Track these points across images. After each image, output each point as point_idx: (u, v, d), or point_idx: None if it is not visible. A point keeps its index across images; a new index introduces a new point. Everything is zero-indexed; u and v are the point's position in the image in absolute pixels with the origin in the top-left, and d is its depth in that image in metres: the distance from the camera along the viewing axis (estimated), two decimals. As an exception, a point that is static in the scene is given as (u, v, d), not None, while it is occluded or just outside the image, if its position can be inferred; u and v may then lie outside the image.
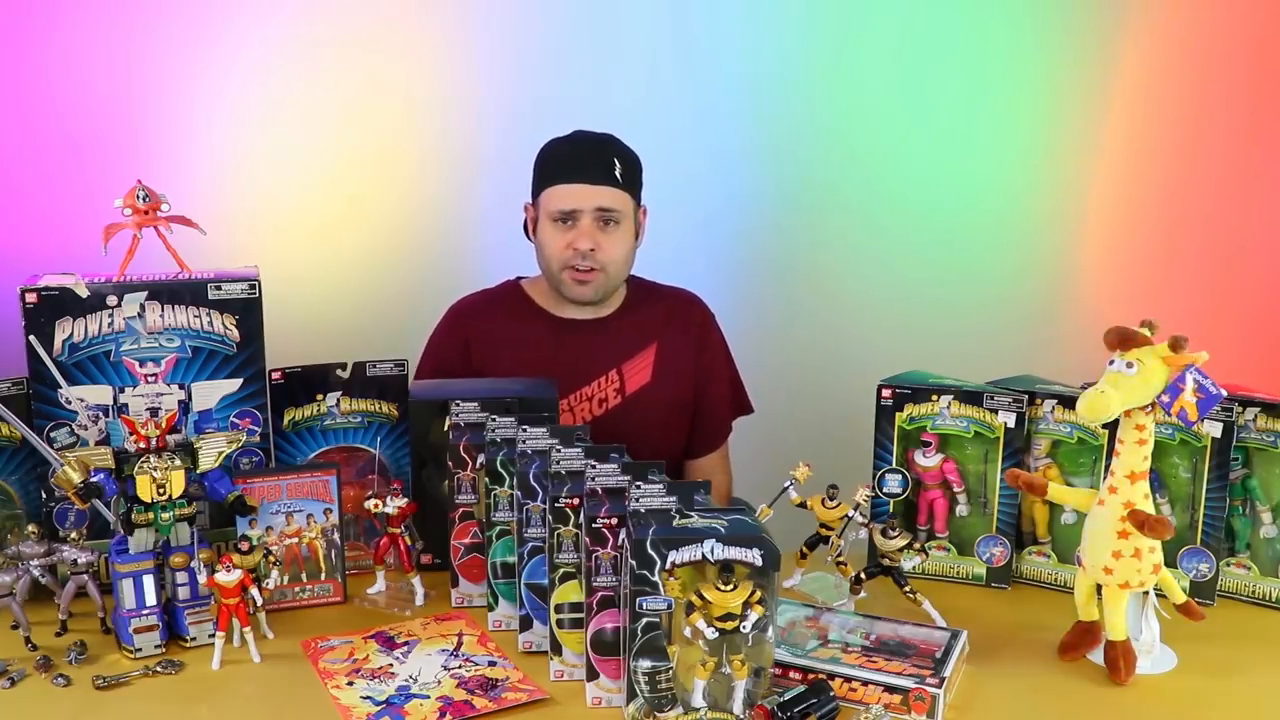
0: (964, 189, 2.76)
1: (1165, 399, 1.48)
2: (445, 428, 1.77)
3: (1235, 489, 1.79)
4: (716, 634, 1.35)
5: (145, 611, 1.60)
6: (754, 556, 1.35)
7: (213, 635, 1.59)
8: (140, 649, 1.59)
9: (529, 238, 2.16)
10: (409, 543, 1.78)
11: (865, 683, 1.46)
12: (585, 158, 2.07)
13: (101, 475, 1.57)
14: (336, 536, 1.79)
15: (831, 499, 1.75)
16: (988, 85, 2.73)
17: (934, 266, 2.77)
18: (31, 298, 1.70)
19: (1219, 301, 2.80)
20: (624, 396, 2.17)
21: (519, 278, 2.26)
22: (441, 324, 2.21)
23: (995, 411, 1.84)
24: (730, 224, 2.70)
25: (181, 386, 1.78)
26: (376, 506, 1.76)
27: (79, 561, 1.63)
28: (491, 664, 1.57)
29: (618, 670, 1.44)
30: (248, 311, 1.78)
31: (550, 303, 2.18)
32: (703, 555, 1.35)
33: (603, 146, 2.08)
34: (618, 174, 2.05)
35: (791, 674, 1.49)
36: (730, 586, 1.34)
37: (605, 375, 2.16)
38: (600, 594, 1.46)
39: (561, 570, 1.52)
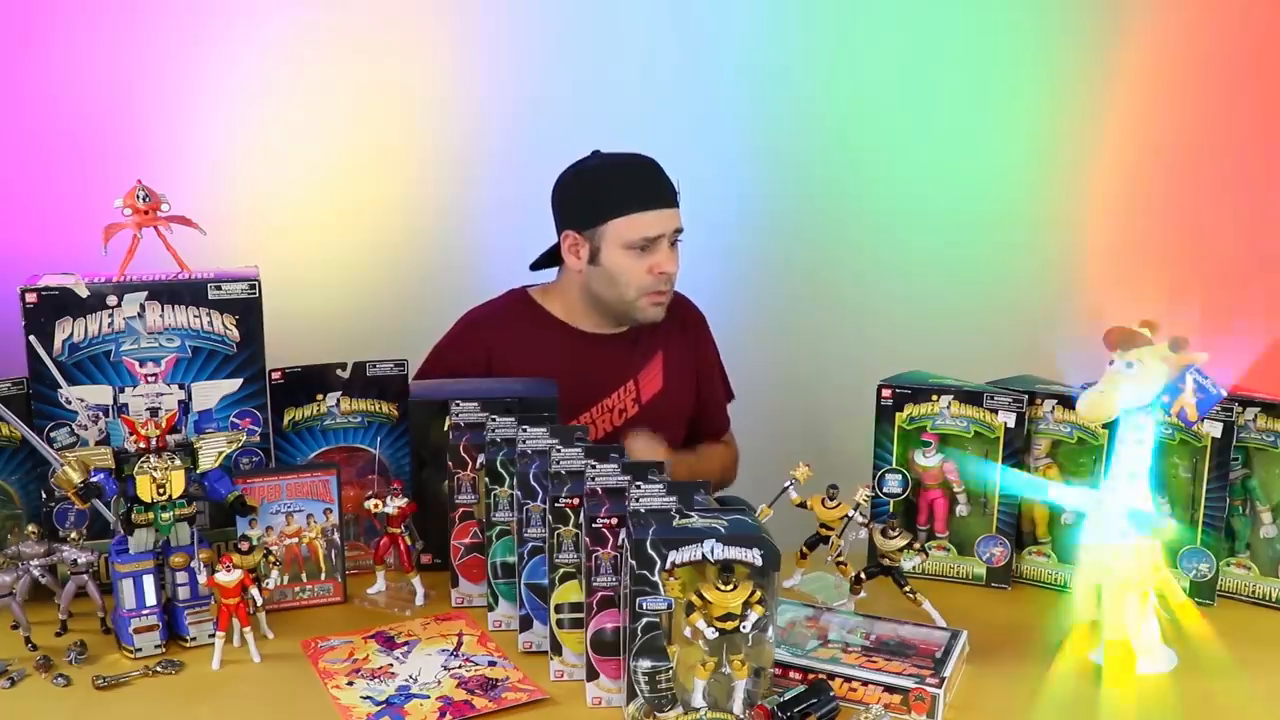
0: (964, 189, 2.75)
1: (1165, 399, 1.48)
2: (445, 428, 1.77)
3: (1235, 489, 1.79)
4: (716, 634, 1.35)
5: (145, 611, 1.60)
6: (754, 556, 1.35)
7: (213, 635, 1.59)
8: (140, 649, 1.59)
9: (560, 265, 2.15)
10: (409, 543, 1.78)
11: (865, 683, 1.46)
12: (656, 183, 2.06)
13: (101, 475, 1.57)
14: (336, 536, 1.79)
15: (831, 499, 1.75)
16: (988, 85, 2.72)
17: (934, 266, 2.77)
18: (31, 298, 1.70)
19: (1220, 301, 2.79)
20: (640, 405, 2.19)
21: (524, 288, 2.23)
22: (455, 336, 2.17)
23: (995, 411, 1.84)
24: (731, 224, 2.70)
25: (181, 386, 1.78)
26: (376, 506, 1.76)
27: (79, 561, 1.63)
28: (491, 664, 1.57)
29: (618, 670, 1.44)
30: (248, 311, 1.78)
31: (571, 316, 2.17)
32: (703, 555, 1.35)
33: (660, 168, 2.08)
34: (679, 192, 2.07)
35: (791, 674, 1.49)
36: (730, 586, 1.34)
37: (624, 386, 2.18)
38: (600, 594, 1.46)
39: (561, 570, 1.52)
